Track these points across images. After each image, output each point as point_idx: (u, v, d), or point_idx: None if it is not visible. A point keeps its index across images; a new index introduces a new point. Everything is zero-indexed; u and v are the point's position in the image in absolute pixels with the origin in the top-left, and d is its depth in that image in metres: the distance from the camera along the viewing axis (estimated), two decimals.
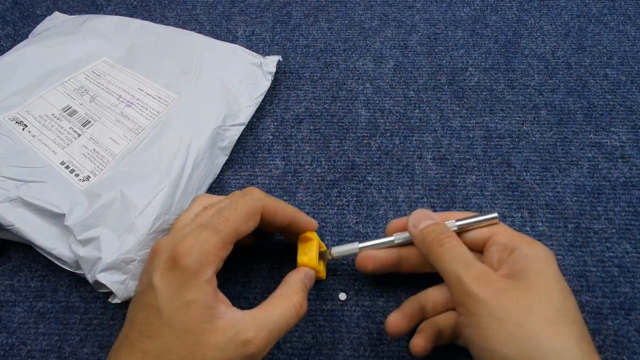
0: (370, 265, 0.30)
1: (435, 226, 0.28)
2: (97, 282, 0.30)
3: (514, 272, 0.25)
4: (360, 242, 0.31)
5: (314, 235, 0.31)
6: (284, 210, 0.28)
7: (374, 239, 0.31)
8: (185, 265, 0.23)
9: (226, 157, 0.39)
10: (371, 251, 0.30)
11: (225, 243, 0.25)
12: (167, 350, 0.22)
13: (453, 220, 0.29)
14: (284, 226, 0.29)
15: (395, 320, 0.28)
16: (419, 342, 0.27)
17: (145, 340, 0.23)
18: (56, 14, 0.50)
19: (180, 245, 0.23)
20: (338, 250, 0.31)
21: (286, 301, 0.25)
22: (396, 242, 0.30)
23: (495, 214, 0.28)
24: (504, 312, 0.23)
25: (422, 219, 0.29)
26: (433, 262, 0.27)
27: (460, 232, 0.29)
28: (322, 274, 0.32)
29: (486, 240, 0.28)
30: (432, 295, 0.29)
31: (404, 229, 0.30)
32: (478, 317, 0.24)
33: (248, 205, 0.26)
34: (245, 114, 0.40)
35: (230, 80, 0.40)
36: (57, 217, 0.32)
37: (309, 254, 0.30)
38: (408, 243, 0.30)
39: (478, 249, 0.29)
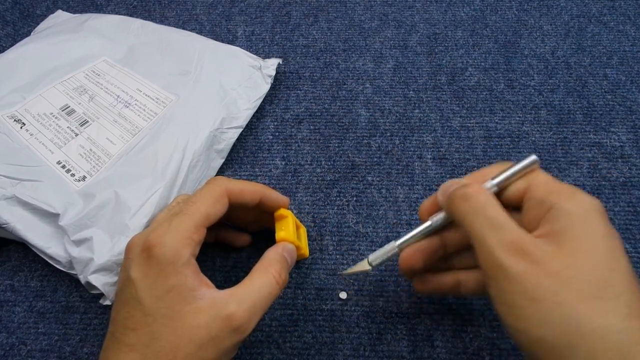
0: (420, 260, 0.26)
1: (459, 185, 0.24)
2: (88, 283, 0.30)
3: (551, 233, 0.21)
4: (396, 239, 0.27)
5: (287, 213, 0.31)
6: (249, 188, 0.28)
7: (407, 231, 0.27)
8: (160, 253, 0.23)
9: (222, 160, 0.38)
10: (414, 245, 0.27)
11: (197, 226, 0.25)
12: (153, 339, 0.22)
13: (489, 179, 0.24)
14: (256, 204, 0.29)
15: (408, 254, 0.26)
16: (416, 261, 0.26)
17: (129, 333, 0.23)
18: (59, 12, 0.50)
19: (152, 236, 0.24)
20: (377, 256, 0.28)
21: (263, 273, 0.26)
22: (434, 225, 0.26)
23: (534, 157, 0.24)
24: (540, 289, 0.19)
25: (451, 185, 0.25)
26: (459, 222, 0.23)
27: (501, 191, 0.24)
28: (305, 250, 0.32)
29: (523, 194, 0.24)
30: (452, 232, 0.26)
31: (437, 209, 0.26)
32: (509, 294, 0.20)
33: (212, 189, 0.27)
34: (243, 117, 0.40)
35: (229, 82, 0.40)
36: (51, 217, 0.32)
37: (285, 229, 0.30)
38: (446, 222, 0.26)
39: (517, 206, 0.24)
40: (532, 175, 0.24)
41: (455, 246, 0.27)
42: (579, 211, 0.21)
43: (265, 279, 0.25)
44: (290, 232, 0.30)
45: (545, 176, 0.24)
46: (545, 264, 0.20)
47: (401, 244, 0.27)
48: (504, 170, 0.24)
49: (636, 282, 0.20)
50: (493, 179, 0.24)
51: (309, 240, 0.35)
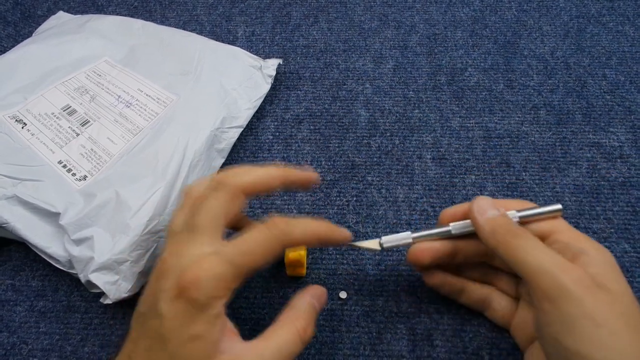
0: (428, 258, 0.28)
1: (504, 219, 0.26)
2: (89, 282, 0.30)
3: (590, 273, 0.23)
4: (413, 231, 0.29)
5: None
6: (312, 233, 0.26)
7: (427, 228, 0.28)
8: (194, 297, 0.21)
9: (223, 160, 0.39)
10: (427, 243, 0.28)
11: (239, 276, 0.23)
12: None
13: (514, 210, 0.27)
14: (281, 189, 0.28)
15: (419, 250, 0.28)
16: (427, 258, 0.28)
17: None
18: (60, 13, 0.50)
19: (189, 274, 0.22)
20: (389, 240, 0.29)
21: (289, 327, 0.24)
22: (454, 232, 0.28)
23: (560, 206, 0.27)
24: (601, 316, 0.22)
25: (488, 208, 0.27)
26: (507, 254, 0.25)
27: (521, 224, 0.27)
28: (304, 270, 0.33)
29: (545, 236, 0.26)
30: (466, 244, 0.28)
31: (460, 217, 0.28)
32: (571, 317, 0.22)
33: (270, 241, 0.24)
34: (244, 117, 0.40)
35: (230, 82, 0.41)
36: (52, 216, 0.32)
37: (298, 249, 0.30)
38: (465, 233, 0.28)
39: None
40: (555, 221, 0.27)
41: (465, 257, 0.29)
42: (608, 261, 0.24)
43: (290, 336, 0.24)
44: (301, 254, 0.30)
45: (567, 224, 0.27)
46: (601, 294, 0.22)
47: (416, 237, 0.28)
48: (530, 208, 0.27)
49: None
50: (519, 211, 0.27)
51: None
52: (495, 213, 0.26)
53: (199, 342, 0.22)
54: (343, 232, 0.27)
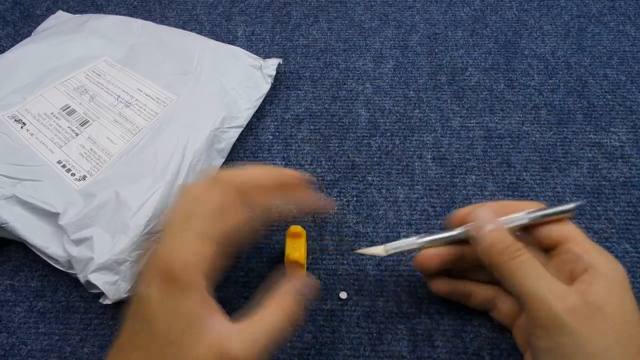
0: (435, 264, 0.28)
1: (501, 234, 0.25)
2: (88, 283, 0.30)
3: (592, 292, 0.23)
4: (420, 236, 0.28)
5: (302, 232, 0.31)
6: (258, 176, 0.27)
7: (432, 233, 0.28)
8: (177, 277, 0.22)
9: (223, 159, 0.38)
10: (434, 249, 0.28)
11: (221, 253, 0.24)
12: None
13: (524, 212, 0.26)
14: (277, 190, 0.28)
15: (427, 257, 0.28)
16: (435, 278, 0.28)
17: (134, 351, 0.22)
18: (60, 12, 0.50)
19: (173, 256, 0.23)
20: (394, 246, 0.29)
21: (277, 310, 0.24)
22: (460, 236, 0.27)
23: (573, 205, 0.25)
24: (593, 345, 0.21)
25: (486, 221, 0.26)
26: (502, 275, 0.25)
27: (530, 226, 0.26)
28: (304, 270, 0.33)
29: (556, 243, 0.26)
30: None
31: (468, 221, 0.28)
32: (563, 346, 0.22)
33: (228, 195, 0.25)
34: (243, 117, 0.40)
35: (230, 82, 0.40)
36: (51, 216, 0.32)
37: (299, 250, 0.30)
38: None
39: (544, 248, 0.26)
40: (569, 228, 0.26)
41: (472, 260, 0.28)
42: (616, 277, 0.24)
43: (277, 317, 0.24)
44: (302, 254, 0.30)
45: (581, 233, 0.26)
46: (595, 321, 0.22)
47: (423, 242, 0.28)
48: (541, 209, 0.26)
49: None
50: (529, 213, 0.26)
51: (308, 241, 0.35)
52: (492, 227, 0.26)
53: (181, 319, 0.22)
54: (298, 175, 0.28)
